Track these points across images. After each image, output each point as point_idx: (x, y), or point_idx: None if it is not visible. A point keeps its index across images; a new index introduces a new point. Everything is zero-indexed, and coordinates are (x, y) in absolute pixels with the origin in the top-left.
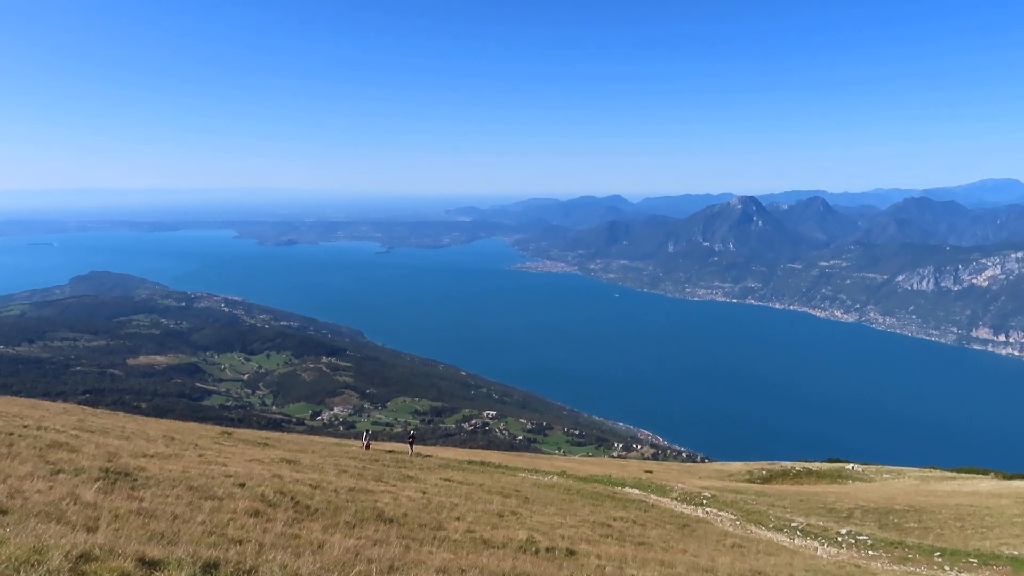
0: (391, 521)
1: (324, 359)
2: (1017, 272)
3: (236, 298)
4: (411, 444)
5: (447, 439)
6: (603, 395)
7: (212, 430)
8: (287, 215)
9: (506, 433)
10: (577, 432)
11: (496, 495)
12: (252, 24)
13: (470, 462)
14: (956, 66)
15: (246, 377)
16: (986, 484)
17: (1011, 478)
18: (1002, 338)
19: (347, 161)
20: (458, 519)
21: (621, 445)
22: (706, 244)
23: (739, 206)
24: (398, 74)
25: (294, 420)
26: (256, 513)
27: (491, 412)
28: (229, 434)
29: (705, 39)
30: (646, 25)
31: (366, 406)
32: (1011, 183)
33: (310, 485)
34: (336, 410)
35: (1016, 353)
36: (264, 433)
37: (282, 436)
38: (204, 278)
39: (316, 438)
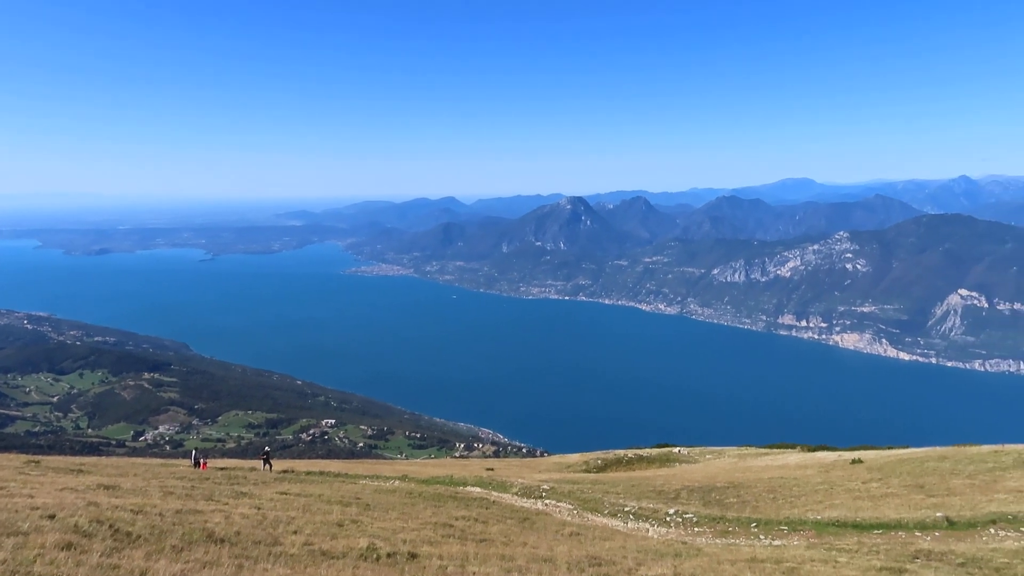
0: (223, 541)
1: (146, 375)
2: (814, 263)
3: (41, 314)
4: (265, 461)
5: (285, 451)
6: (444, 397)
7: (16, 459)
8: (98, 222)
9: (346, 441)
10: (419, 435)
11: (336, 505)
12: (48, 14)
13: (308, 473)
14: (753, 77)
15: (56, 399)
16: (794, 457)
17: (814, 450)
18: (803, 323)
19: (167, 163)
20: (295, 532)
21: (463, 445)
22: (538, 244)
23: (568, 206)
24: (218, 68)
25: (113, 443)
26: (68, 546)
27: (330, 420)
28: (37, 462)
29: (528, 39)
30: (467, 20)
31: (195, 423)
32: (807, 182)
33: (131, 510)
34: (161, 429)
35: (815, 336)
36: (79, 459)
37: (100, 461)
38: (1, 293)
39: (139, 460)
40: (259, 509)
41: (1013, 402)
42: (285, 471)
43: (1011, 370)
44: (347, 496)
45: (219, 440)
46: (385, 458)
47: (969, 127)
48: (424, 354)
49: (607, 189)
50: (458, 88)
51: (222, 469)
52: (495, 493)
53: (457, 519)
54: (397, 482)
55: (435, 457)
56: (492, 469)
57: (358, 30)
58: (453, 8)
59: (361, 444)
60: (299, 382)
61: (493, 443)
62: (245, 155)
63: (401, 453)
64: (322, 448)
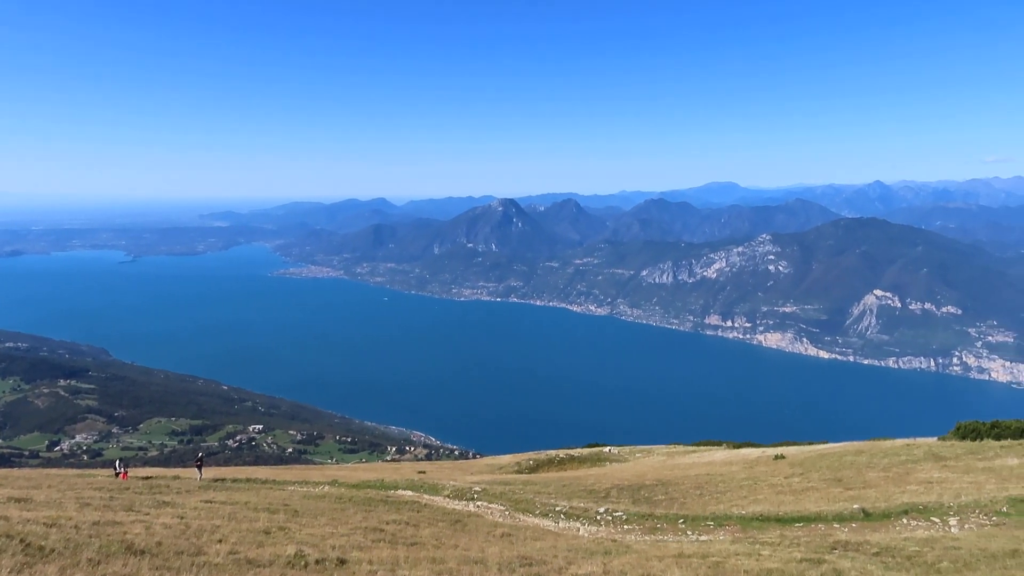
0: (143, 553)
1: (62, 382)
2: (739, 265)
3: None
4: (199, 468)
5: (210, 459)
6: (376, 400)
7: None
8: (9, 222)
9: (275, 447)
10: (350, 439)
11: (263, 512)
12: None
13: (235, 480)
14: (680, 84)
15: None
16: (720, 454)
17: (740, 447)
18: (729, 323)
19: (83, 161)
20: (220, 541)
21: (395, 448)
22: (470, 245)
23: (500, 208)
24: (137, 62)
25: (27, 453)
26: None
27: (258, 426)
28: None
29: (458, 42)
30: (395, 21)
31: (114, 431)
32: (732, 186)
33: (45, 523)
34: (79, 438)
35: (740, 336)
36: None
37: (10, 472)
38: None
39: (54, 471)
40: (182, 519)
41: (924, 397)
42: (217, 479)
43: (922, 367)
44: (275, 503)
45: (141, 448)
46: (315, 463)
47: (883, 135)
48: (355, 357)
49: (538, 191)
50: (388, 89)
51: (145, 478)
52: (427, 496)
53: (388, 523)
54: (327, 487)
55: (366, 461)
56: (424, 472)
57: (284, 27)
58: (381, 8)
59: (290, 450)
60: (225, 387)
61: (425, 446)
62: (168, 154)
63: (332, 458)
64: (249, 455)
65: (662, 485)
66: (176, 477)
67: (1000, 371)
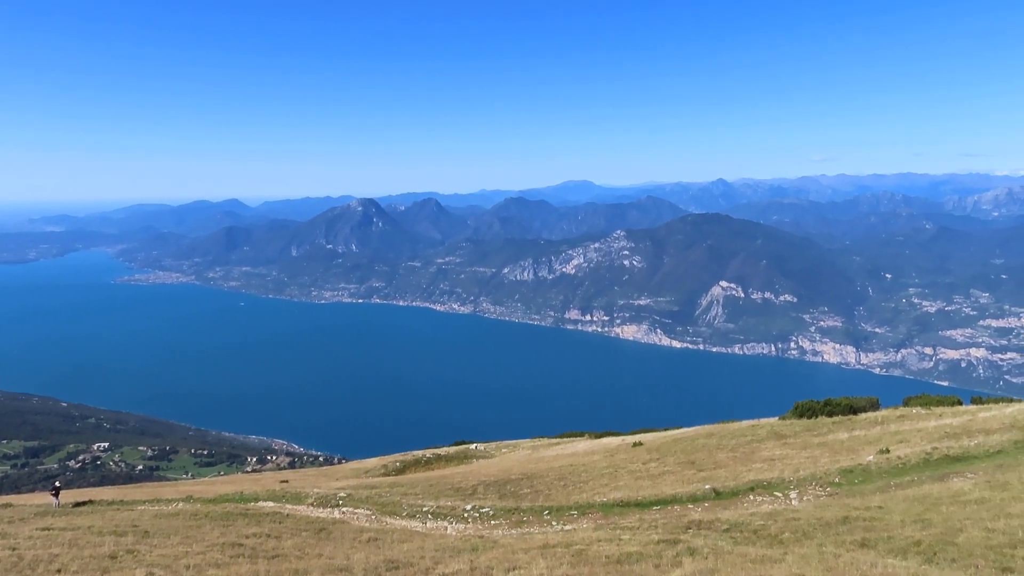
0: None
1: None
2: (596, 260)
3: None
4: (56, 494)
5: (50, 482)
6: (234, 410)
7: None
8: None
9: (123, 465)
10: (206, 452)
11: (109, 535)
12: None
13: (77, 504)
14: (533, 87)
15: None
16: (582, 445)
17: (601, 436)
18: (588, 317)
19: None
20: (59, 571)
21: (255, 459)
22: (329, 246)
23: (359, 208)
24: None
25: None
26: None
27: (103, 444)
28: None
29: (315, 37)
30: (243, 11)
31: None
32: (587, 184)
33: None
34: None
35: (599, 329)
36: None
37: None
38: None
39: None
40: (14, 550)
41: (766, 380)
42: (79, 503)
43: (764, 352)
44: (122, 525)
45: None
46: (168, 479)
47: (725, 136)
48: (210, 366)
49: (398, 191)
50: (239, 81)
51: None
52: (289, 506)
53: (248, 537)
54: (181, 504)
55: (225, 474)
56: (287, 481)
57: (118, 16)
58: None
59: (140, 467)
60: (65, 404)
61: (288, 454)
62: None
63: (187, 473)
64: (94, 475)
65: (527, 478)
66: (8, 505)
67: (831, 353)
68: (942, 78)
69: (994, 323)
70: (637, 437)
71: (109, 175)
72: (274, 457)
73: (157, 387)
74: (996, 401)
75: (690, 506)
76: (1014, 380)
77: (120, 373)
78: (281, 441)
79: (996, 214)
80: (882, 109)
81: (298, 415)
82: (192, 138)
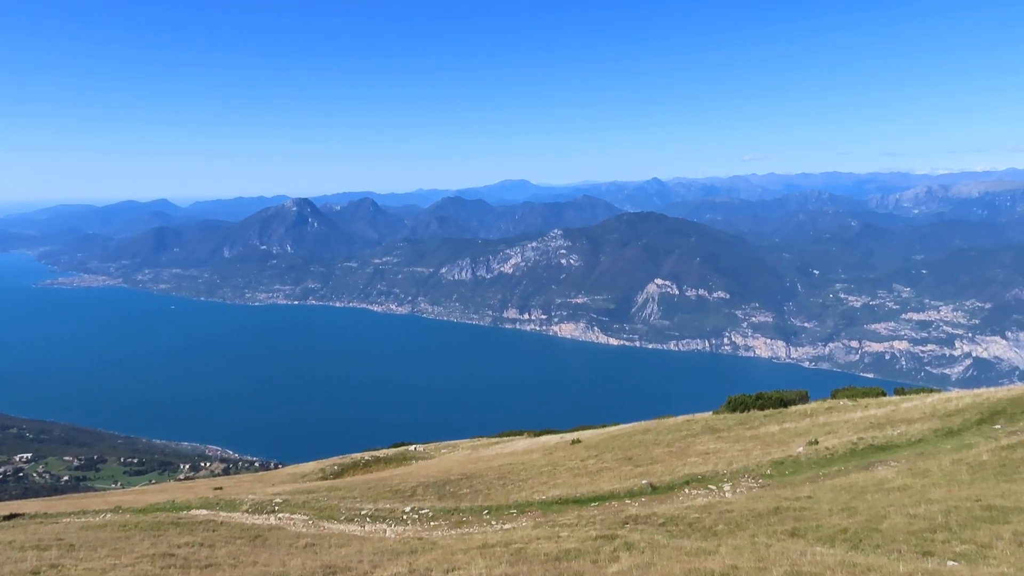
0: None
1: None
2: (533, 259)
3: None
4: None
5: None
6: (165, 416)
7: None
8: None
9: (47, 476)
10: (136, 460)
11: (31, 550)
12: None
13: (7, 516)
14: (470, 86)
15: None
16: (522, 443)
17: (540, 434)
18: (526, 316)
19: None
20: None
21: (188, 466)
22: (263, 247)
23: (294, 208)
24: None
25: None
26: None
27: (25, 455)
28: None
29: (231, 32)
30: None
31: None
32: (524, 183)
33: None
34: None
35: (537, 328)
36: None
37: None
38: None
39: None
40: None
41: (701, 376)
42: (10, 515)
43: (699, 348)
44: (46, 538)
45: None
46: (96, 490)
47: (658, 135)
48: (140, 372)
49: (334, 190)
50: (165, 77)
51: None
52: (223, 513)
53: (180, 547)
54: (109, 515)
55: (156, 482)
56: (221, 488)
57: (26, 9)
58: None
59: (66, 478)
60: None
61: (222, 460)
62: None
63: (116, 482)
64: (16, 487)
65: (467, 478)
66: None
67: (763, 348)
68: (865, 80)
69: (915, 316)
70: (576, 435)
71: (29, 174)
72: (208, 464)
73: (84, 395)
74: (917, 392)
75: (627, 501)
76: (934, 371)
77: (44, 381)
78: (215, 447)
79: (916, 211)
80: (809, 110)
81: (233, 420)
82: (118, 134)
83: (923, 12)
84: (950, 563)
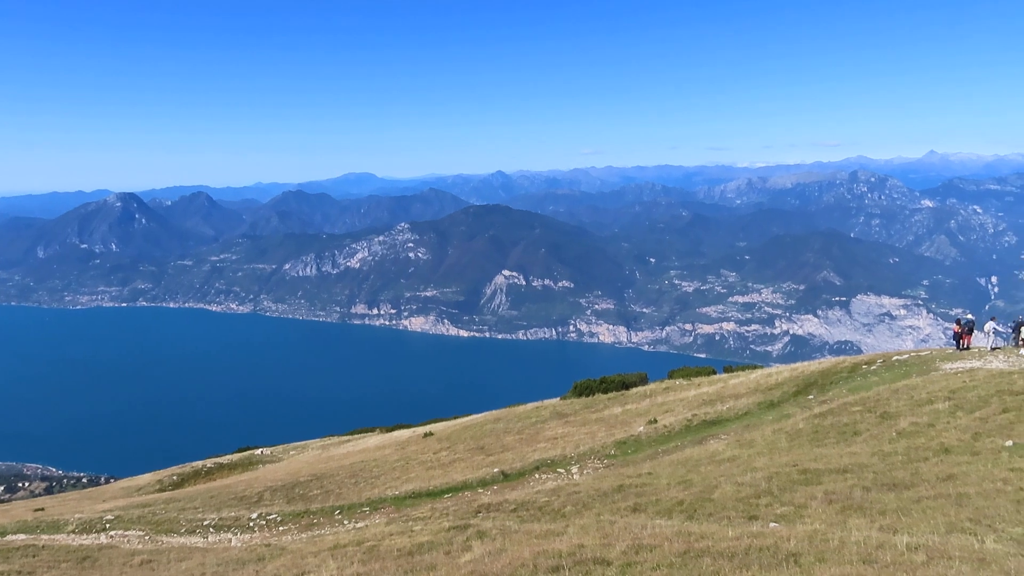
0: None
1: None
2: (381, 254)
3: None
4: None
5: None
6: None
7: None
8: None
9: None
10: None
11: None
12: None
13: None
14: (306, 80)
15: None
16: (373, 440)
17: (392, 430)
18: (375, 311)
19: None
20: None
21: (3, 488)
22: (84, 246)
23: (118, 204)
24: None
25: None
26: None
27: None
28: None
29: (59, 19)
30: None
31: None
32: (369, 176)
33: None
34: None
35: (387, 323)
36: None
37: None
38: None
39: None
40: None
41: (549, 363)
42: None
43: (546, 336)
44: None
45: None
46: None
47: (501, 129)
48: None
49: (163, 184)
50: None
51: None
52: (45, 536)
53: None
54: None
55: None
56: (42, 509)
57: None
58: None
59: None
60: None
61: (44, 478)
62: None
63: None
64: None
65: (317, 479)
66: None
67: (606, 334)
68: (692, 79)
69: (740, 299)
70: (428, 427)
71: None
72: (27, 484)
73: None
74: (743, 368)
75: (480, 491)
76: (758, 349)
77: None
78: (35, 465)
79: (739, 202)
80: (643, 106)
81: (54, 434)
82: None
83: (739, 15)
84: (772, 524)
